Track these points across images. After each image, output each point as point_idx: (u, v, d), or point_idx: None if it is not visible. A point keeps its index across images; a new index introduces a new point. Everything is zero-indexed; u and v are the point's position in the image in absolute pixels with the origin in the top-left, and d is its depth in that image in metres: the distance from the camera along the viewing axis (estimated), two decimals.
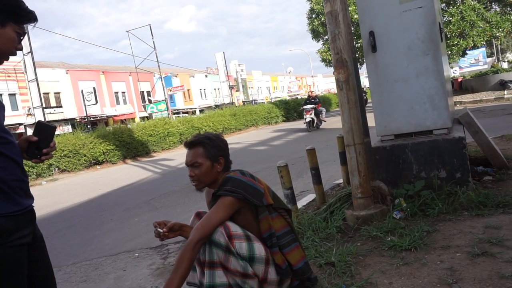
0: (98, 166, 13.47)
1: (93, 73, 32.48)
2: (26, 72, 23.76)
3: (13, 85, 26.02)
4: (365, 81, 30.91)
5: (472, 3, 16.42)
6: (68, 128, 26.16)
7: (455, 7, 16.53)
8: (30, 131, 24.43)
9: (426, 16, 3.26)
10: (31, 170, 11.63)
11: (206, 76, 47.35)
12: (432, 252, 2.41)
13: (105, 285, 3.27)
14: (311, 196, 4.53)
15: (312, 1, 20.82)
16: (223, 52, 41.54)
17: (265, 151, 11.16)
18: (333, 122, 17.06)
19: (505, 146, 5.04)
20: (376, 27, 3.41)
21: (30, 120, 24.94)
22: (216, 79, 45.50)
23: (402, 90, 3.40)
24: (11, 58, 1.45)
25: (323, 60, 21.84)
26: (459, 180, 3.20)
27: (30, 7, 1.42)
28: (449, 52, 16.98)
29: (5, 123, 1.43)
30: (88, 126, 25.74)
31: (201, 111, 36.59)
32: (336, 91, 3.31)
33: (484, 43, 19.05)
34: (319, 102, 15.80)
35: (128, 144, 14.43)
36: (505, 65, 32.01)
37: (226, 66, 42.36)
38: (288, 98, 39.79)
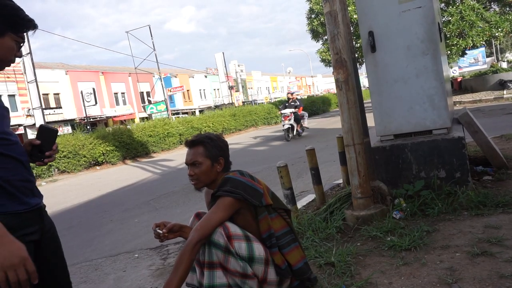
0: (97, 167, 13.46)
1: (92, 74, 32.48)
2: (25, 73, 23.77)
3: (12, 86, 26.00)
4: (364, 81, 30.94)
5: (472, 3, 16.43)
6: (67, 129, 26.13)
7: (455, 7, 16.53)
8: (29, 132, 24.46)
9: (426, 16, 3.26)
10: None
11: (205, 76, 47.34)
12: (431, 252, 2.41)
13: (105, 286, 3.27)
14: (311, 196, 4.53)
15: (311, 1, 20.81)
16: (223, 53, 41.59)
17: (265, 151, 11.16)
18: (333, 122, 17.06)
19: (504, 145, 5.05)
20: (375, 27, 3.41)
21: (30, 121, 24.93)
22: (215, 80, 45.51)
23: (401, 90, 3.40)
24: None
25: (323, 60, 21.83)
26: (459, 180, 3.20)
27: (30, 8, 1.40)
28: (449, 52, 16.99)
29: None
30: (88, 127, 25.74)
31: (201, 111, 36.59)
32: (335, 91, 3.31)
33: (484, 43, 19.03)
34: (301, 105, 13.46)
35: (127, 144, 14.43)
36: (504, 65, 32.00)
37: (225, 66, 42.38)
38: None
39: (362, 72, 22.60)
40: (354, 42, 3.82)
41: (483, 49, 33.39)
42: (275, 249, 1.97)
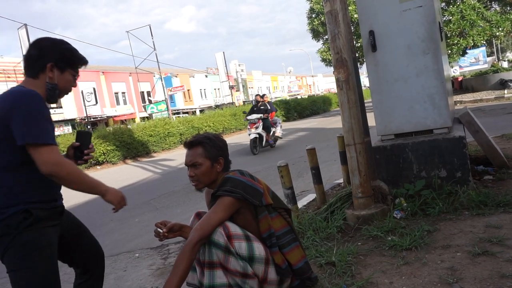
0: (98, 167, 13.47)
1: (93, 74, 32.47)
2: None
3: (12, 86, 26.03)
4: (365, 81, 30.92)
5: (472, 2, 16.40)
6: (68, 129, 26.14)
7: (455, 6, 16.52)
8: None
9: (426, 15, 3.26)
10: None
11: (206, 76, 47.31)
12: (432, 251, 2.41)
13: (106, 285, 3.25)
14: (311, 196, 4.52)
15: (312, 1, 20.80)
16: (223, 52, 41.48)
17: (265, 150, 11.15)
18: (333, 121, 17.06)
19: (505, 145, 5.04)
20: (376, 26, 3.41)
21: None
22: (216, 79, 45.47)
23: (402, 89, 3.39)
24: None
25: (323, 60, 21.82)
26: (460, 179, 3.20)
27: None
28: (449, 51, 16.98)
29: None
30: (88, 127, 25.74)
31: (201, 111, 36.58)
32: (336, 91, 3.31)
33: (484, 42, 19.01)
34: (273, 110, 11.25)
35: (128, 144, 14.42)
36: (505, 64, 31.96)
37: (226, 66, 42.32)
38: (288, 98, 39.78)
39: (363, 71, 22.62)
40: (354, 42, 3.81)
41: (483, 48, 33.34)
42: (276, 249, 1.97)
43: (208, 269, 1.88)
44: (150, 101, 32.71)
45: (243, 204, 1.94)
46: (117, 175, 10.87)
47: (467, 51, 20.42)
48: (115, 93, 34.63)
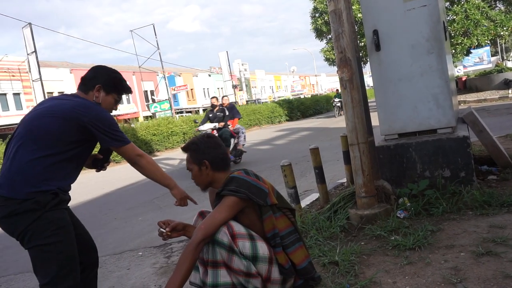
0: None
1: None
2: (30, 71, 23.87)
3: (17, 85, 26.14)
4: (368, 80, 30.84)
5: (477, 1, 16.32)
6: None
7: (459, 6, 16.44)
8: None
9: (431, 14, 3.25)
10: None
11: (209, 75, 47.35)
12: (436, 251, 2.40)
13: (109, 283, 3.28)
14: (314, 195, 4.52)
15: (315, 0, 20.76)
16: (227, 52, 41.49)
17: (268, 150, 11.16)
18: (336, 121, 17.04)
19: (509, 145, 5.02)
20: (380, 26, 3.40)
21: None
22: (219, 79, 45.49)
23: (406, 89, 3.39)
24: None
25: (327, 59, 21.77)
26: (464, 179, 3.19)
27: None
28: (453, 51, 16.90)
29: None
30: None
31: (204, 110, 36.62)
32: (339, 90, 3.30)
33: (489, 42, 18.90)
34: (236, 115, 8.93)
35: None
36: (509, 64, 31.83)
37: (229, 65, 42.32)
38: (291, 97, 39.74)
39: (367, 71, 22.54)
40: (358, 41, 3.81)
41: (488, 48, 33.14)
42: (279, 249, 1.97)
43: (211, 268, 1.88)
44: (153, 100, 32.76)
45: (247, 203, 1.94)
46: (121, 173, 10.89)
47: (471, 50, 20.28)
48: None
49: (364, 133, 3.12)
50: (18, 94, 26.43)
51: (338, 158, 6.43)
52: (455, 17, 16.24)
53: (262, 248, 1.91)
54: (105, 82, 2.10)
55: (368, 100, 3.73)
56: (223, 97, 9.47)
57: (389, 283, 2.14)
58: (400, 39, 3.36)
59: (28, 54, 22.37)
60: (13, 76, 25.53)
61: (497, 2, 18.28)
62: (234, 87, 42.56)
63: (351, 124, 3.09)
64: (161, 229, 2.04)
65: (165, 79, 28.78)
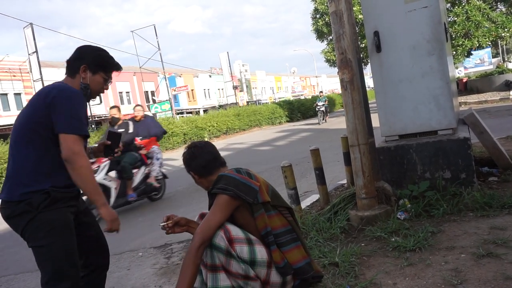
0: None
1: None
2: (31, 71, 23.87)
3: (18, 85, 26.15)
4: (369, 82, 30.82)
5: (478, 3, 16.31)
6: None
7: (460, 7, 16.43)
8: None
9: (432, 16, 3.25)
10: None
11: (210, 76, 47.35)
12: (436, 253, 2.40)
13: (109, 284, 3.27)
14: (315, 197, 4.52)
15: (316, 1, 20.76)
16: (227, 52, 41.53)
17: (269, 151, 11.16)
18: (337, 122, 17.04)
19: (510, 147, 5.01)
20: (380, 27, 3.40)
21: None
22: (220, 79, 45.52)
23: (406, 90, 3.38)
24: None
25: (327, 61, 21.78)
26: (464, 180, 3.18)
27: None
28: (454, 52, 16.88)
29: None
30: (93, 126, 25.82)
31: (205, 111, 36.60)
32: (340, 92, 3.30)
33: (490, 43, 18.92)
34: (153, 132, 6.33)
35: None
36: (510, 66, 31.76)
37: (230, 66, 42.35)
38: (292, 98, 39.74)
39: (367, 72, 22.54)
40: (359, 42, 3.81)
41: (489, 49, 33.15)
42: (274, 247, 1.96)
43: (211, 272, 1.89)
44: (154, 101, 32.78)
45: (240, 201, 1.94)
46: None
47: (472, 52, 20.26)
48: (120, 92, 34.72)
49: (365, 134, 3.12)
50: (19, 94, 26.44)
51: (338, 159, 6.43)
52: (456, 18, 16.22)
53: (261, 253, 1.91)
54: (90, 61, 1.99)
55: (369, 101, 3.73)
56: (135, 106, 6.64)
57: (389, 284, 2.14)
58: (401, 41, 3.36)
59: (29, 54, 22.38)
60: (14, 76, 25.55)
61: (498, 3, 18.26)
62: (235, 88, 42.58)
63: (352, 125, 3.09)
64: (163, 223, 2.06)
65: (165, 80, 28.80)
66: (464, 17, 16.01)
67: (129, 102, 35.52)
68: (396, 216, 3.01)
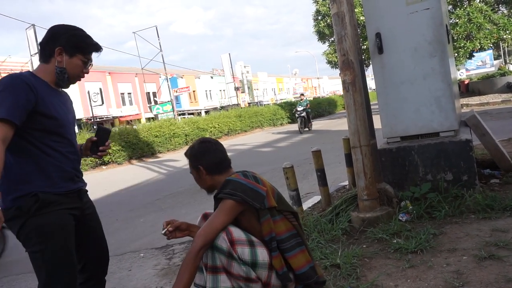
0: (104, 167, 13.51)
1: (99, 74, 32.63)
2: None
3: None
4: (371, 83, 30.80)
5: (479, 5, 16.31)
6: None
7: (462, 9, 16.42)
8: None
9: (433, 17, 3.25)
10: None
11: (211, 77, 47.42)
12: (438, 255, 2.40)
13: (110, 284, 3.28)
14: (316, 198, 4.52)
15: (318, 3, 20.80)
16: (229, 54, 41.49)
17: (270, 152, 11.16)
18: (338, 124, 17.03)
19: None
20: (382, 29, 3.40)
21: None
22: (221, 81, 45.53)
23: (408, 91, 3.38)
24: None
25: (329, 62, 21.81)
26: (466, 182, 3.18)
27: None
28: (456, 54, 16.86)
29: None
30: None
31: (207, 112, 36.66)
32: (341, 93, 3.31)
33: (491, 45, 18.88)
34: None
35: (133, 144, 14.47)
36: None
37: (231, 67, 42.37)
38: (293, 99, 39.76)
39: (369, 74, 22.58)
40: (361, 44, 3.81)
41: (490, 51, 33.07)
42: (276, 253, 1.94)
43: (211, 274, 1.88)
44: (155, 102, 32.84)
45: (245, 206, 1.93)
46: (122, 175, 10.91)
47: (474, 54, 20.24)
48: (121, 93, 34.81)
49: (367, 135, 3.12)
50: None
51: (340, 161, 6.42)
52: (458, 20, 16.21)
53: (262, 255, 1.90)
54: (66, 42, 1.77)
55: (371, 103, 3.73)
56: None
57: (391, 286, 2.13)
58: (402, 42, 3.36)
59: (31, 55, 22.38)
60: None
61: (500, 5, 18.26)
62: (236, 89, 42.62)
63: (354, 127, 3.09)
64: (164, 228, 2.05)
65: (167, 81, 28.82)
66: (466, 19, 15.99)
67: (130, 103, 35.61)
68: (398, 218, 3.01)
